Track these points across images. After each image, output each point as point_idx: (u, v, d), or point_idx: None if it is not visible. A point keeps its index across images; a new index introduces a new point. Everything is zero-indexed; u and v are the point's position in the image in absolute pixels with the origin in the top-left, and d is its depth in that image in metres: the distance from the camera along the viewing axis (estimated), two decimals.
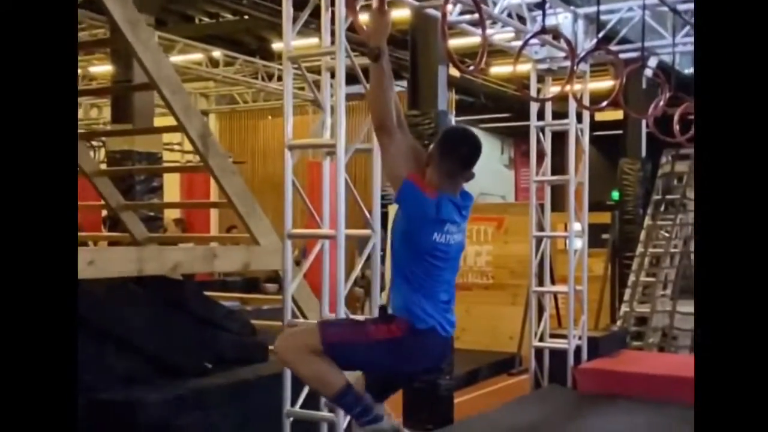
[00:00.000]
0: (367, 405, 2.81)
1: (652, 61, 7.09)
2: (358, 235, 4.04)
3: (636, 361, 6.06)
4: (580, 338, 5.97)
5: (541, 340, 6.14)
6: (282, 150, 3.95)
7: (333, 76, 3.82)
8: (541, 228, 6.28)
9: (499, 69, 10.39)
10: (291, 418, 3.74)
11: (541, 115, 6.15)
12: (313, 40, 7.56)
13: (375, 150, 3.89)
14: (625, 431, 4.60)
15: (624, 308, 8.08)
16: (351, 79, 3.73)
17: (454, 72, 10.72)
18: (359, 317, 3.17)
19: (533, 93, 6.07)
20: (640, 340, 7.69)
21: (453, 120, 5.27)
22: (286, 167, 3.81)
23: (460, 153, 2.83)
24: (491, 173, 16.33)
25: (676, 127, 5.25)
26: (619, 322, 7.93)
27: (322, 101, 3.94)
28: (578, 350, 5.93)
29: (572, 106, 5.91)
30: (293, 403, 3.76)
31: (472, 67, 3.71)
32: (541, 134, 6.16)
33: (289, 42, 3.91)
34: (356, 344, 2.77)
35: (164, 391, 3.83)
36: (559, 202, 8.26)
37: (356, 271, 3.81)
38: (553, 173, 6.30)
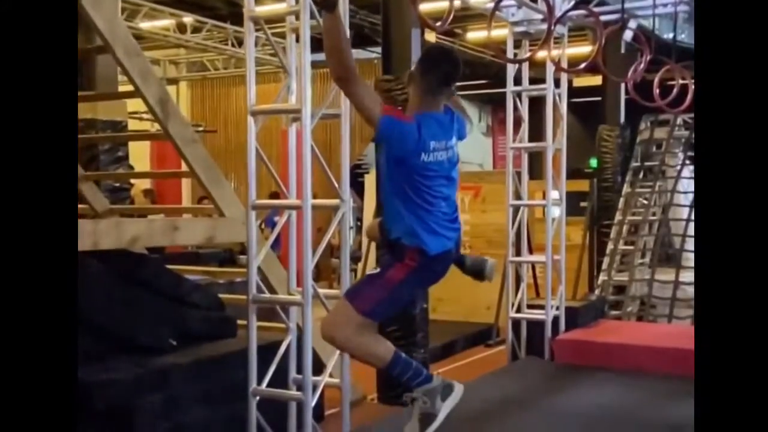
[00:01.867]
0: (416, 368, 2.98)
1: (632, 24, 6.92)
2: (327, 206, 3.85)
3: (614, 331, 5.96)
4: (557, 309, 5.86)
5: (518, 311, 6.02)
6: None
7: (299, 39, 3.61)
8: (518, 196, 6.13)
9: (476, 34, 10.16)
10: (257, 397, 3.58)
11: (517, 81, 5.96)
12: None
13: (344, 115, 3.69)
14: (603, 403, 4.49)
15: (602, 277, 7.98)
16: (319, 44, 3.52)
17: (431, 37, 10.49)
18: (373, 271, 3.09)
19: (510, 57, 5.88)
20: (619, 309, 7.60)
21: None
22: (249, 134, 3.60)
23: (441, 69, 2.92)
24: (468, 141, 15.99)
25: (656, 92, 5.10)
26: (597, 291, 7.83)
27: (288, 65, 3.72)
28: (556, 321, 5.82)
29: (550, 70, 5.72)
30: (260, 381, 3.59)
31: (439, 23, 3.51)
32: (517, 100, 5.97)
33: (251, 1, 3.68)
34: (386, 297, 2.91)
35: (123, 370, 3.66)
36: (536, 170, 8.12)
37: (324, 242, 3.62)
38: (531, 140, 6.14)
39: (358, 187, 10.28)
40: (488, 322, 7.82)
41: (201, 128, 10.96)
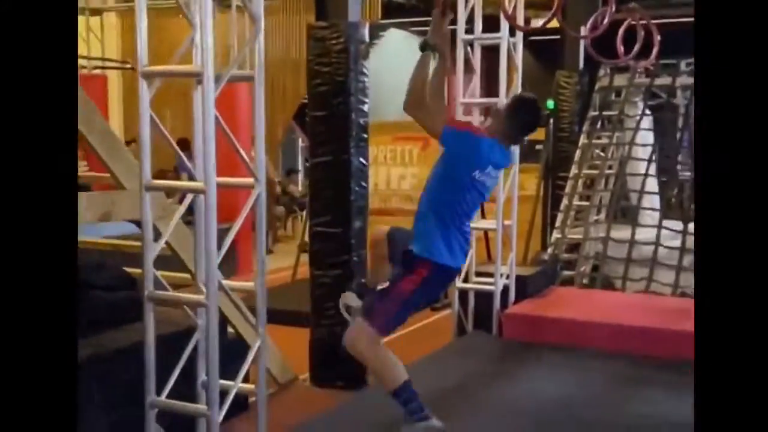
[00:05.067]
0: (420, 403, 3.16)
1: None
2: (239, 185, 3.29)
3: (567, 302, 5.58)
4: (507, 277, 5.45)
5: (465, 279, 5.59)
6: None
7: None
8: None
9: None
10: (155, 410, 3.08)
11: (470, 27, 5.38)
12: None
13: (258, 78, 3.09)
14: (555, 393, 4.11)
15: (556, 234, 7.59)
16: None
17: None
18: (383, 286, 3.36)
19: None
20: (572, 269, 7.24)
21: (366, 32, 4.47)
22: (141, 100, 2.98)
23: (527, 122, 3.32)
24: None
25: (620, 48, 4.60)
26: (550, 250, 7.45)
27: (190, 15, 3.08)
28: (506, 290, 5.42)
29: (504, 19, 5.15)
30: (159, 391, 3.09)
31: None
32: (469, 49, 5.41)
33: None
34: (398, 310, 3.19)
35: None
36: None
37: (236, 228, 3.07)
38: (485, 93, 5.63)
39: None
40: None
41: (129, 66, 10.10)
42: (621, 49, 4.57)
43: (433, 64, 3.22)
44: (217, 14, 2.96)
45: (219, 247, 2.92)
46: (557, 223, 7.71)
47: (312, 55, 4.49)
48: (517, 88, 5.45)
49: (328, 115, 4.51)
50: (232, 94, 8.21)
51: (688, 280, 6.88)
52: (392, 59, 15.40)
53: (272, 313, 6.14)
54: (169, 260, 3.98)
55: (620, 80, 8.18)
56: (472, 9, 5.29)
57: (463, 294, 5.56)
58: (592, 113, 8.18)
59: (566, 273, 7.16)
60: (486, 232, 6.55)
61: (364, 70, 4.57)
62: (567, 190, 7.85)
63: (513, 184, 5.56)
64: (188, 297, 3.11)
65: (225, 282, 3.11)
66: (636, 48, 4.61)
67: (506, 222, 5.48)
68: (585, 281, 7.25)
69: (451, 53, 3.30)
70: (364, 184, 4.66)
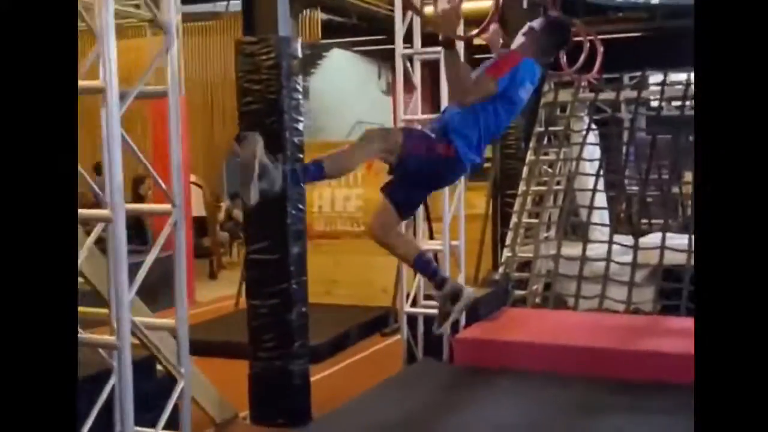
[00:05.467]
0: (435, 267, 3.63)
1: None
2: (153, 212, 3.00)
3: (520, 323, 5.37)
4: None
5: (414, 304, 5.35)
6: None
7: None
8: None
9: None
10: None
11: (409, 41, 5.19)
12: None
13: (172, 93, 2.81)
14: (506, 418, 3.88)
15: (506, 253, 7.41)
16: None
17: None
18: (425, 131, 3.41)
19: (399, 14, 5.10)
20: (524, 288, 7.06)
21: (298, 47, 4.23)
22: None
23: (560, 39, 3.58)
24: (368, 100, 15.25)
25: (563, 59, 4.44)
26: (501, 269, 7.26)
27: (96, 26, 2.78)
28: None
29: None
30: None
31: None
32: (408, 64, 5.21)
33: None
34: (423, 154, 3.26)
35: None
36: None
37: (150, 259, 2.77)
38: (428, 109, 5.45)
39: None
40: (385, 305, 7.15)
41: None
42: (564, 60, 4.40)
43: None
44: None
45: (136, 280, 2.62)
46: (507, 242, 7.54)
47: (241, 72, 4.23)
48: None
49: (260, 134, 4.24)
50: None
51: (640, 296, 6.77)
52: (336, 80, 15.26)
53: (213, 345, 5.89)
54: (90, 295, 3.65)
55: (565, 95, 8.10)
56: (410, 23, 5.12)
57: (412, 319, 5.33)
58: (538, 129, 8.06)
59: (518, 292, 6.98)
60: (435, 253, 6.29)
61: (297, 87, 4.32)
62: (516, 207, 7.69)
63: (459, 203, 5.36)
64: (98, 338, 2.79)
65: (141, 320, 2.80)
66: (581, 60, 4.46)
67: (454, 242, 5.28)
68: (537, 300, 7.07)
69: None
70: (301, 206, 4.39)
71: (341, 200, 7.49)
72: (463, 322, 5.21)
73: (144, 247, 8.55)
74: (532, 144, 8.04)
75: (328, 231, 7.52)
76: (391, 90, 16.11)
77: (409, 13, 5.09)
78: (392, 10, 5.20)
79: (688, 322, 5.46)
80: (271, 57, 4.19)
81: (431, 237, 5.76)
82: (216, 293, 8.90)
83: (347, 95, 14.06)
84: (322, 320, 6.06)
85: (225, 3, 10.60)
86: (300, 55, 4.30)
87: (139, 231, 8.88)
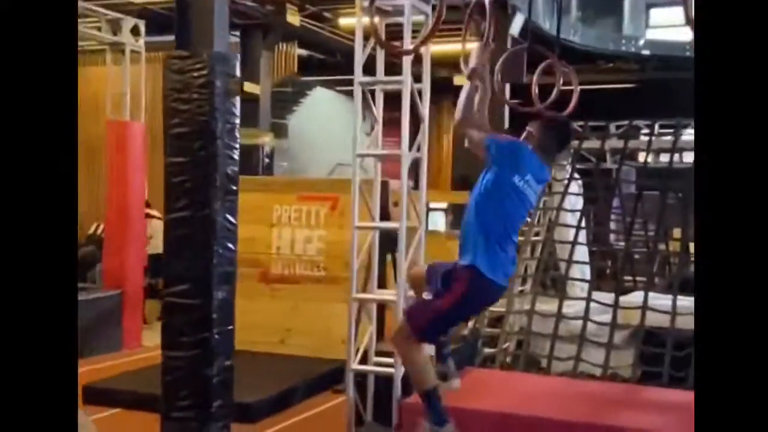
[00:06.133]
0: (444, 408, 3.51)
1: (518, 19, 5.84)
2: None
3: (481, 388, 4.80)
4: None
5: (364, 360, 4.80)
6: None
7: None
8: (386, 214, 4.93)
9: (349, 20, 8.93)
10: None
11: (370, 71, 4.75)
12: None
13: None
14: None
15: None
16: None
17: (293, 19, 9.14)
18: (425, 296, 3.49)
19: (359, 42, 4.65)
20: (495, 346, 6.51)
21: (237, 65, 3.76)
22: None
23: (561, 133, 3.63)
24: (348, 139, 14.86)
25: (534, 91, 3.99)
26: (470, 324, 6.71)
27: None
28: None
29: (407, 60, 4.53)
30: None
31: None
32: (369, 95, 4.76)
33: None
34: (436, 319, 3.41)
35: None
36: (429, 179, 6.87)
37: None
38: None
39: None
40: (342, 358, 6.56)
41: None
42: (535, 92, 3.95)
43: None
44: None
45: None
46: None
47: (168, 90, 3.74)
48: (424, 141, 4.81)
49: (187, 161, 3.74)
50: (124, 135, 7.40)
51: (619, 360, 6.22)
52: (317, 119, 14.85)
53: (140, 397, 5.28)
54: None
55: None
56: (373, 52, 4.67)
57: (362, 377, 4.76)
58: None
59: (488, 350, 6.43)
60: (384, 304, 5.70)
61: (235, 110, 3.83)
62: None
63: (420, 248, 4.86)
64: None
65: None
66: (553, 94, 4.01)
67: (411, 293, 4.74)
68: (509, 360, 6.51)
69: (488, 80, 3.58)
70: (231, 246, 3.86)
71: (301, 242, 6.94)
72: None
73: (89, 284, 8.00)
74: None
75: (286, 275, 6.95)
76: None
77: (371, 42, 4.65)
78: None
79: (670, 394, 4.91)
80: (203, 74, 3.71)
81: (384, 285, 5.21)
82: (155, 339, 8.29)
83: (329, 135, 13.66)
84: (270, 373, 5.43)
85: None
86: (238, 73, 3.81)
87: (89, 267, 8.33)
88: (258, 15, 9.01)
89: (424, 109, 4.75)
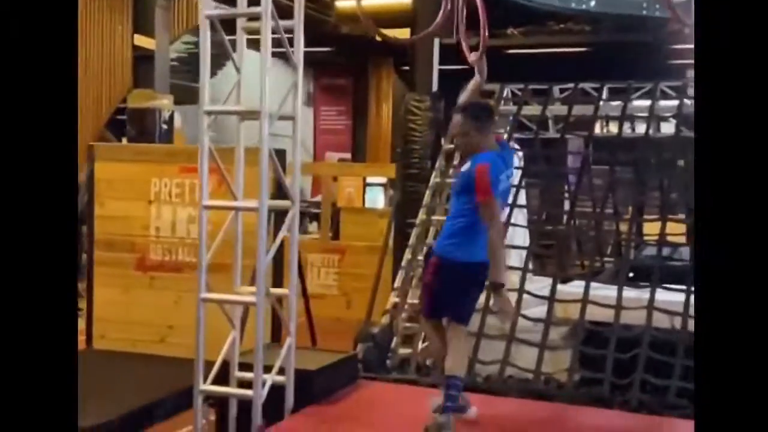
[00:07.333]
0: (460, 400, 3.63)
1: None
2: None
3: (368, 410, 3.79)
4: (283, 372, 3.66)
5: (222, 380, 3.77)
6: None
7: None
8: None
9: None
10: None
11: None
12: None
13: None
14: None
15: (393, 298, 5.85)
16: None
17: None
18: None
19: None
20: (410, 344, 5.51)
21: None
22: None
23: (483, 110, 3.84)
24: (287, 110, 13.77)
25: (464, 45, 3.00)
26: (384, 319, 5.71)
27: None
28: (281, 393, 3.62)
29: None
30: None
31: None
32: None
33: None
34: (429, 297, 3.75)
35: None
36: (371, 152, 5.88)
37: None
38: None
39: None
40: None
41: None
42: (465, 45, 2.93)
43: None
44: None
45: None
46: (396, 283, 5.98)
47: None
48: (297, 99, 3.76)
49: None
50: None
51: (555, 364, 5.25)
52: (248, 84, 13.71)
53: None
54: None
55: None
56: None
57: (223, 401, 3.74)
58: (447, 146, 6.57)
59: (402, 351, 5.44)
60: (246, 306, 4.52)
61: None
62: (411, 240, 6.16)
63: (293, 238, 3.82)
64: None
65: None
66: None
67: (278, 290, 3.72)
68: (429, 362, 5.52)
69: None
70: None
71: (185, 222, 5.87)
72: (290, 405, 3.64)
73: None
74: (438, 163, 6.53)
75: (167, 261, 5.90)
76: (311, 99, 14.56)
77: None
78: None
79: (613, 418, 3.98)
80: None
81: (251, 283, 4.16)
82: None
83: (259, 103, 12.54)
84: (145, 379, 4.61)
85: None
86: None
87: None
88: None
89: (298, 53, 3.69)
